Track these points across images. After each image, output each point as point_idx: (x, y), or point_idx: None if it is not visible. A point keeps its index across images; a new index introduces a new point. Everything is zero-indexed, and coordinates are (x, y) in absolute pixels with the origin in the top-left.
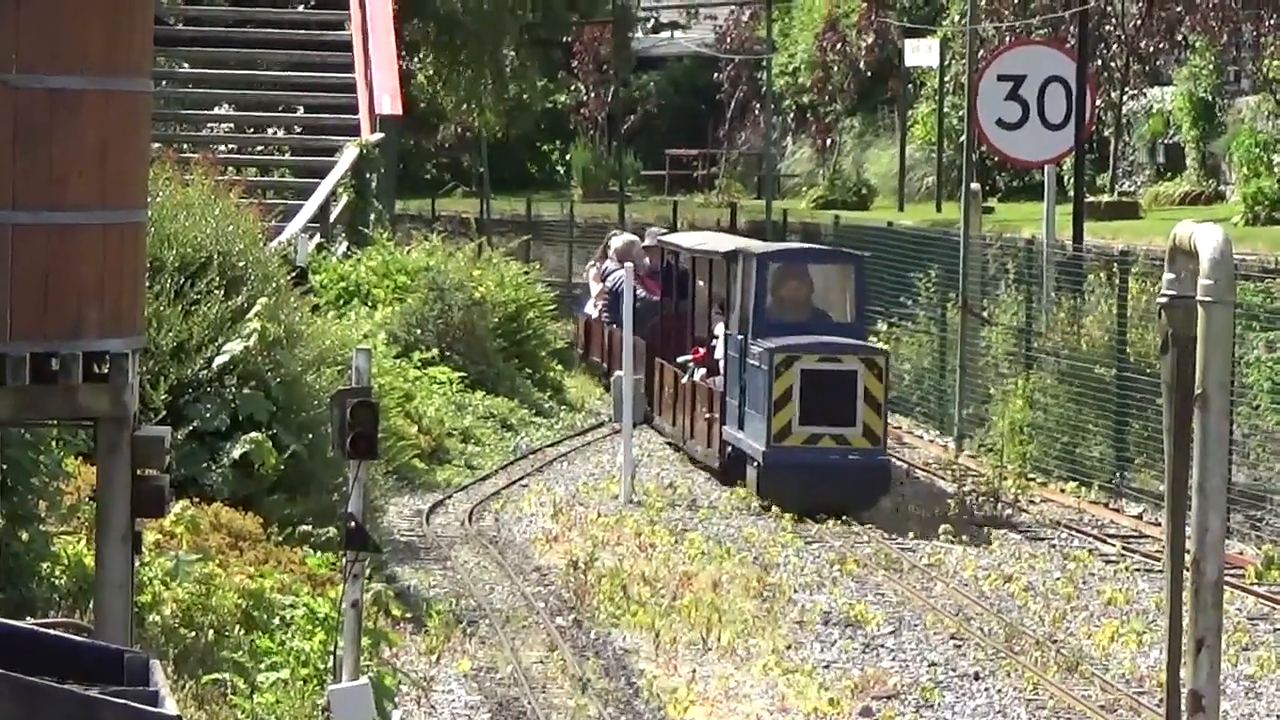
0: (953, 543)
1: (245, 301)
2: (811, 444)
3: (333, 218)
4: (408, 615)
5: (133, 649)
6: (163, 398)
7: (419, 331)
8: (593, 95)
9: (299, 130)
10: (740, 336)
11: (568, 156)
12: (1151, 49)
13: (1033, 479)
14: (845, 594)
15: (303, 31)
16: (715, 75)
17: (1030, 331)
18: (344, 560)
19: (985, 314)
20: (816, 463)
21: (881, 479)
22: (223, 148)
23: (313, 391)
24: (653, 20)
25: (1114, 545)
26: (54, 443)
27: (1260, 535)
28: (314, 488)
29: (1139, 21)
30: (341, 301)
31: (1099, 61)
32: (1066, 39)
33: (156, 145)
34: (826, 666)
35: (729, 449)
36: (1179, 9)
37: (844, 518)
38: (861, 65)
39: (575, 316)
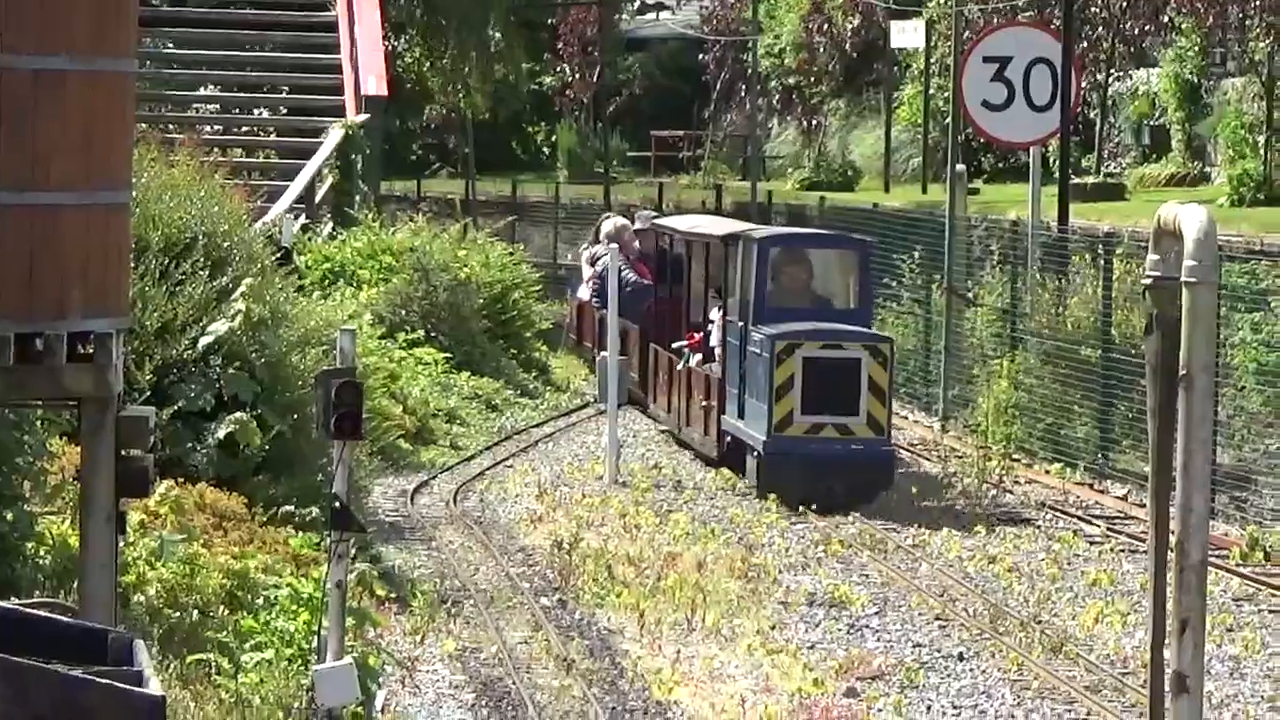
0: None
1: (230, 282)
2: (813, 434)
3: (318, 198)
4: (392, 595)
5: (117, 629)
6: (147, 378)
7: (404, 312)
8: (578, 77)
9: (284, 111)
10: (740, 323)
11: (553, 138)
12: (1137, 31)
13: (1017, 460)
14: (830, 575)
15: (288, 12)
16: (701, 57)
17: (1015, 313)
18: (329, 540)
19: (970, 295)
20: (819, 453)
21: (886, 470)
22: (208, 128)
23: (298, 372)
24: (639, 2)
25: (1098, 526)
26: (38, 423)
27: (1245, 516)
28: (299, 468)
29: (1124, 3)
30: (327, 282)
31: (1084, 43)
32: (1052, 20)
33: (141, 126)
34: (811, 647)
35: (728, 438)
36: None
37: (849, 512)
38: (847, 47)
39: (565, 299)
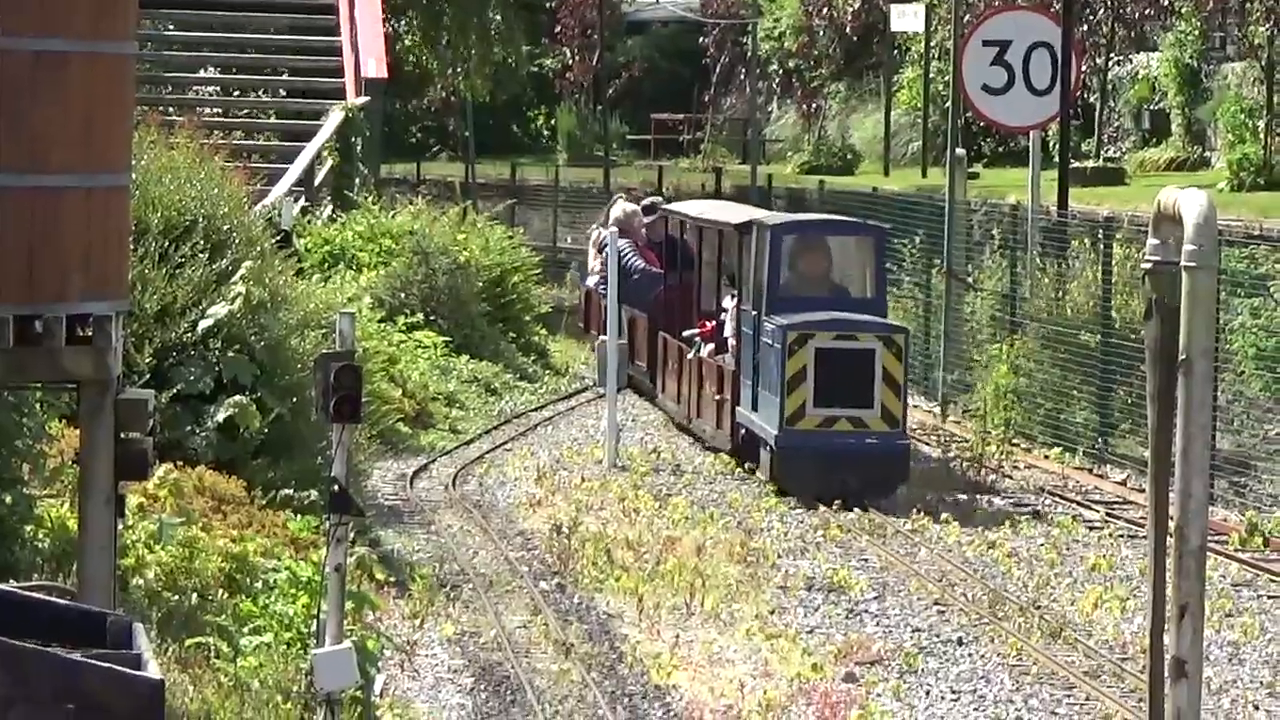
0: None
1: (230, 265)
2: (826, 427)
3: (318, 181)
4: (391, 579)
5: (116, 613)
6: (147, 361)
7: (404, 295)
8: (578, 60)
9: (284, 93)
10: (754, 313)
11: (553, 121)
12: (1137, 15)
13: (1016, 445)
14: (829, 559)
15: None
16: (701, 40)
17: (1015, 297)
18: (327, 524)
19: (970, 280)
20: (832, 447)
21: (901, 464)
22: (208, 111)
23: (297, 355)
24: None
25: (1098, 511)
26: (38, 405)
27: (1244, 501)
28: (298, 451)
29: None
30: (326, 265)
31: (1085, 27)
32: (1052, 4)
33: (141, 108)
34: (810, 632)
35: (742, 431)
36: None
37: (863, 506)
38: (847, 30)
39: (568, 284)
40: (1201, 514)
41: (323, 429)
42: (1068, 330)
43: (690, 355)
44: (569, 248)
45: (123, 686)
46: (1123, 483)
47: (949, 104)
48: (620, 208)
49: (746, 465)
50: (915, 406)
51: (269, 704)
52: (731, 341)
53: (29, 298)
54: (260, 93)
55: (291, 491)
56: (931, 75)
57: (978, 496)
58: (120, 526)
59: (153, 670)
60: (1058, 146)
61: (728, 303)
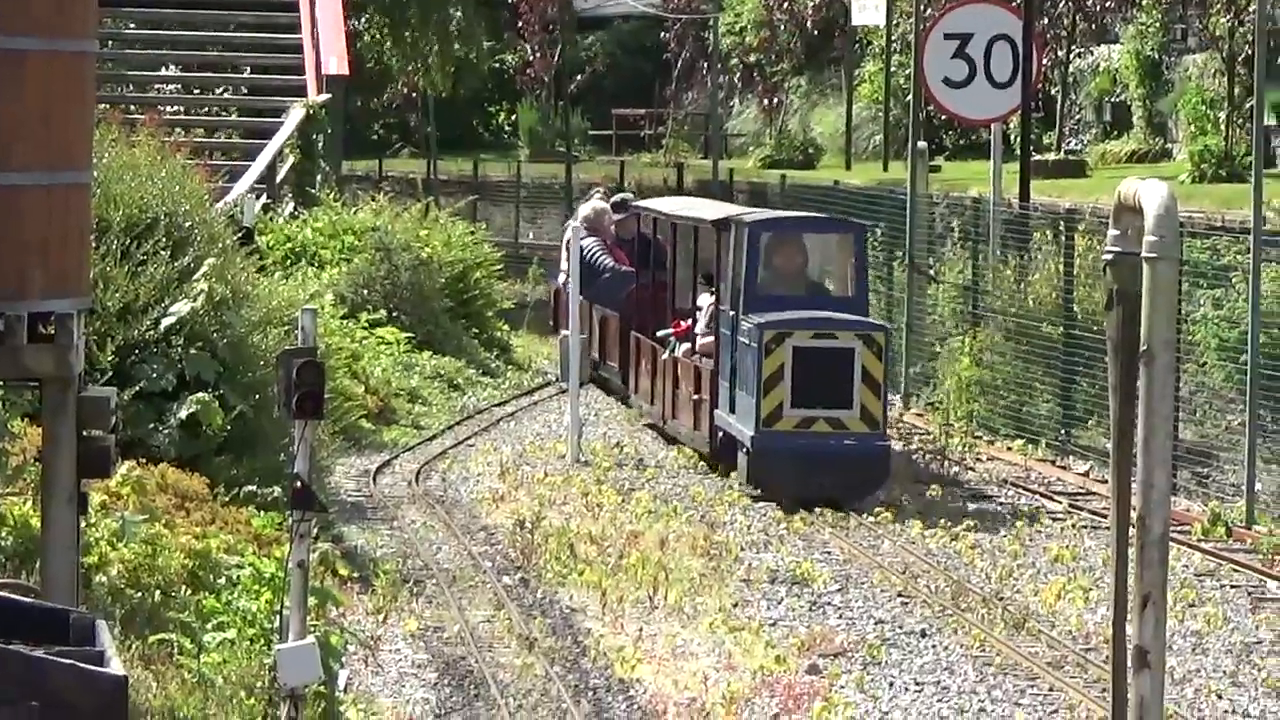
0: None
1: (192, 262)
2: (804, 428)
3: (279, 178)
4: (354, 575)
5: (79, 610)
6: (109, 358)
7: (366, 292)
8: (539, 55)
9: (245, 91)
10: (731, 311)
11: (514, 117)
12: (1098, 7)
13: (979, 437)
14: (792, 552)
15: None
16: (662, 35)
17: (977, 290)
18: (290, 520)
19: (932, 272)
20: (810, 449)
21: (881, 466)
22: (169, 109)
23: (259, 352)
24: None
25: (1060, 503)
26: None
27: (1207, 492)
28: (260, 448)
29: None
30: (289, 262)
31: (1046, 19)
32: None
33: (102, 106)
34: (773, 624)
35: (720, 433)
36: None
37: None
38: (808, 24)
39: (539, 282)
40: (1164, 504)
41: (285, 426)
42: (1030, 322)
43: (664, 355)
44: (531, 243)
45: (86, 683)
46: (1085, 474)
47: (910, 97)
48: (590, 205)
49: (721, 468)
50: None
51: (232, 700)
52: (701, 340)
53: None
54: (221, 90)
55: (254, 488)
56: (893, 69)
57: (941, 489)
58: (83, 524)
59: (116, 667)
60: (1019, 139)
61: (703, 301)
